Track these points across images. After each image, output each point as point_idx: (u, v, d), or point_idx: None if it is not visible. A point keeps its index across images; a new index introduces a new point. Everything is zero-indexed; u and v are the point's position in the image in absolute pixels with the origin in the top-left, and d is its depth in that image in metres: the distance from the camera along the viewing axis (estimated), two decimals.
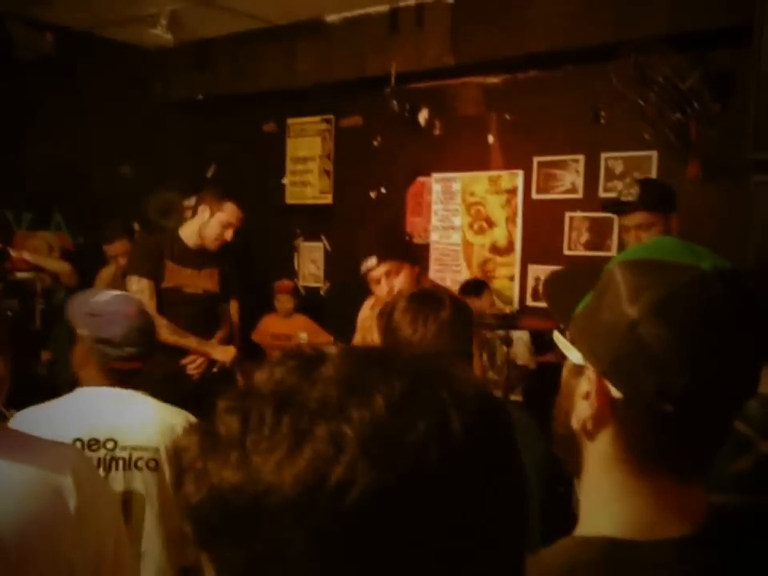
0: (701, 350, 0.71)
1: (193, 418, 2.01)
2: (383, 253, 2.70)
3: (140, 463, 1.89)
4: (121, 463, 1.91)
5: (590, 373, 0.76)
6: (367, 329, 2.93)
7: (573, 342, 0.79)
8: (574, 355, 0.78)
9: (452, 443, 0.45)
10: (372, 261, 2.68)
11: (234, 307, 3.56)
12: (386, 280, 2.68)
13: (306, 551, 0.42)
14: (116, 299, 2.03)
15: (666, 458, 0.75)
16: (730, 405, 0.76)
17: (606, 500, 0.77)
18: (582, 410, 0.77)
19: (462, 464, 0.45)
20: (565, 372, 0.82)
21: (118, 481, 1.91)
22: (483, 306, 2.45)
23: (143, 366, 1.99)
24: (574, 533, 0.79)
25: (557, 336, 0.83)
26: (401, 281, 2.69)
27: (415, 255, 3.15)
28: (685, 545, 0.73)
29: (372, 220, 4.48)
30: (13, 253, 4.11)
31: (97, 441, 1.89)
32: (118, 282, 4.12)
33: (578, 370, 0.78)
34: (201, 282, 3.37)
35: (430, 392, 0.47)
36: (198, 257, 3.36)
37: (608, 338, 0.74)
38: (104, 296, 2.07)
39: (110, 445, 1.90)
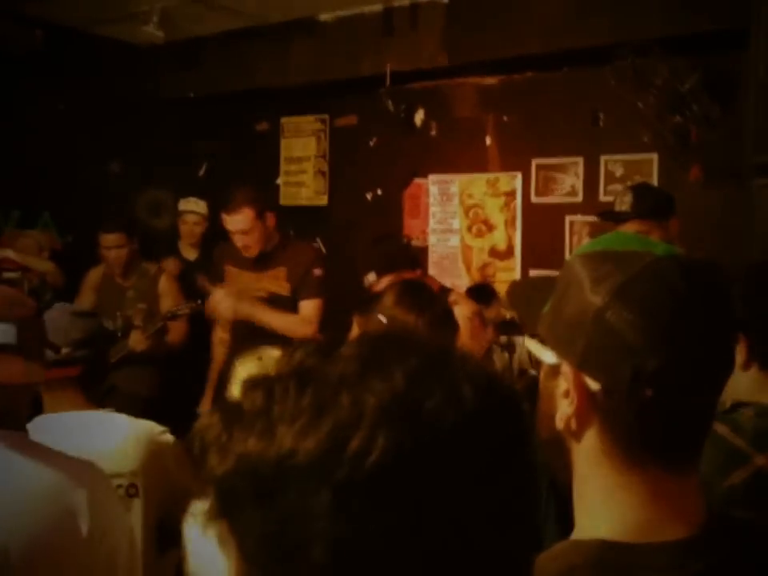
0: (668, 329, 0.71)
1: (161, 428, 1.92)
2: (382, 266, 2.72)
3: (120, 492, 1.74)
4: None
5: (566, 369, 0.74)
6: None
7: (544, 342, 0.79)
8: (547, 356, 0.78)
9: (465, 410, 0.47)
10: (372, 276, 2.72)
11: (304, 308, 3.15)
12: None
13: (330, 506, 0.44)
14: (55, 306, 1.92)
15: (653, 446, 0.73)
16: (707, 383, 0.74)
17: (600, 500, 0.75)
18: (564, 409, 0.75)
19: (474, 431, 0.47)
20: (542, 375, 0.82)
21: None
22: (490, 315, 2.35)
23: (87, 373, 1.81)
24: (571, 536, 0.77)
25: (528, 341, 0.84)
26: None
27: (413, 258, 3.09)
28: (683, 548, 0.71)
29: (368, 222, 4.41)
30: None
31: None
32: (107, 283, 3.98)
33: (554, 370, 0.77)
34: (263, 284, 3.16)
35: (445, 367, 0.49)
36: (259, 257, 3.16)
37: (576, 329, 0.73)
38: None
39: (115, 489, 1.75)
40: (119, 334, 3.65)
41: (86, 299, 3.90)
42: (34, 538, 1.21)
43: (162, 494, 1.81)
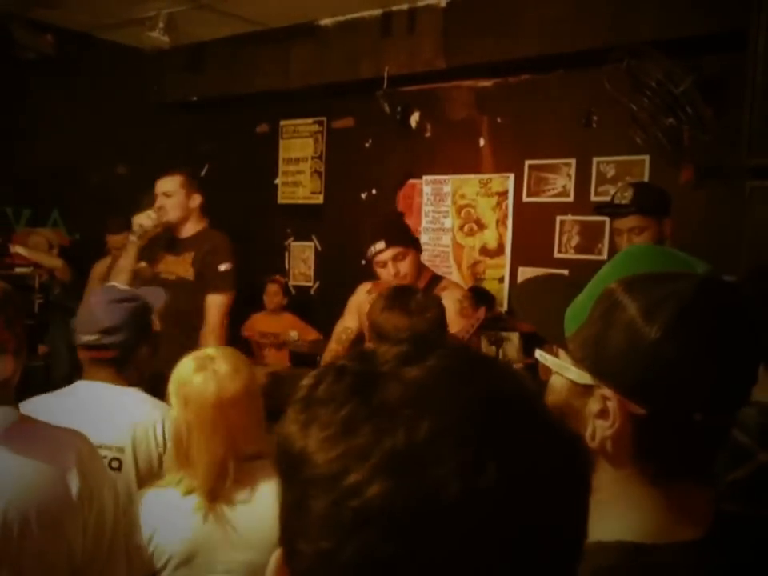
0: (720, 356, 0.70)
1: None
2: (391, 237, 2.64)
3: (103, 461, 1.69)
4: None
5: (605, 392, 0.72)
6: (365, 312, 2.84)
7: (577, 363, 0.75)
8: (575, 375, 0.75)
9: (477, 487, 0.42)
10: (381, 244, 2.64)
11: (209, 301, 3.00)
12: (393, 263, 2.65)
13: (320, 517, 0.44)
14: (96, 290, 1.95)
15: (688, 463, 0.73)
16: (743, 401, 0.75)
17: (623, 511, 0.74)
18: (599, 430, 0.73)
19: (483, 512, 0.42)
20: (564, 392, 0.77)
21: None
22: (480, 316, 2.29)
23: (118, 357, 1.83)
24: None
25: (542, 355, 0.81)
26: (406, 265, 2.66)
27: (418, 240, 2.94)
28: (701, 547, 0.72)
29: (363, 221, 4.28)
30: (11, 249, 3.99)
31: None
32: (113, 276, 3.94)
33: (585, 390, 0.74)
34: (175, 267, 3.05)
35: (483, 426, 0.44)
36: (180, 242, 3.07)
37: (628, 359, 0.70)
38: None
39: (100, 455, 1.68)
40: None
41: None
42: (29, 502, 1.25)
43: (147, 472, 1.76)
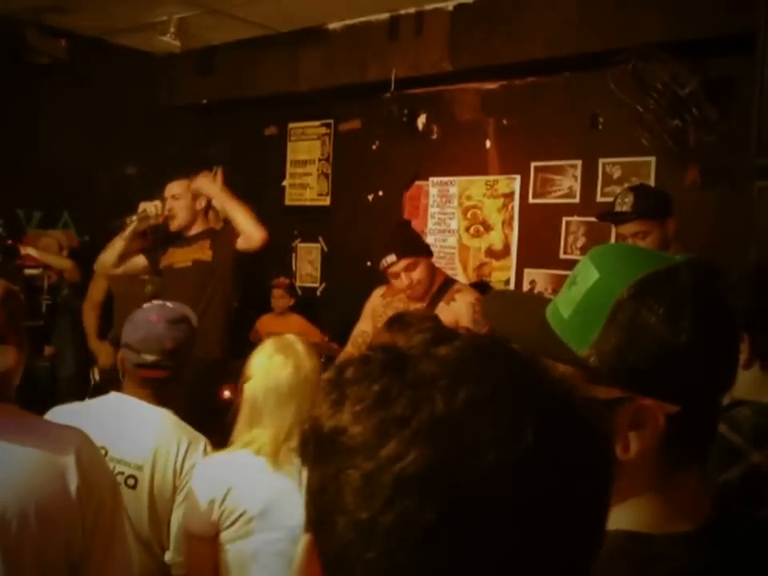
0: (730, 341, 0.75)
1: (204, 443, 1.83)
2: (401, 249, 2.73)
3: (119, 478, 1.73)
4: None
5: (645, 402, 0.71)
6: (379, 315, 2.90)
7: (602, 379, 0.73)
8: (600, 392, 0.72)
9: (514, 451, 0.42)
10: (391, 257, 2.71)
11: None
12: (405, 274, 2.73)
13: (356, 491, 0.43)
14: (152, 307, 1.91)
15: (697, 449, 0.75)
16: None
17: (627, 503, 0.73)
18: (635, 442, 0.72)
19: (522, 473, 0.42)
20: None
21: None
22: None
23: (170, 377, 1.85)
24: None
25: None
26: (419, 273, 2.74)
27: (428, 246, 2.99)
28: (695, 539, 0.72)
29: (369, 222, 4.26)
30: (21, 250, 3.98)
31: None
32: (125, 277, 3.95)
33: (610, 404, 0.72)
34: (188, 254, 3.14)
35: (520, 396, 0.44)
36: (188, 238, 3.20)
37: (664, 365, 0.71)
38: (146, 305, 1.96)
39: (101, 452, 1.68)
40: None
41: (99, 286, 3.97)
42: (28, 498, 1.25)
43: (161, 491, 1.78)
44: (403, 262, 2.70)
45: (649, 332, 0.71)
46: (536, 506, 0.43)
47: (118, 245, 3.14)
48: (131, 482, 1.73)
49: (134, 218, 3.11)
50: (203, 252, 3.11)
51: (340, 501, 0.44)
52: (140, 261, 3.24)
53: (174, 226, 3.17)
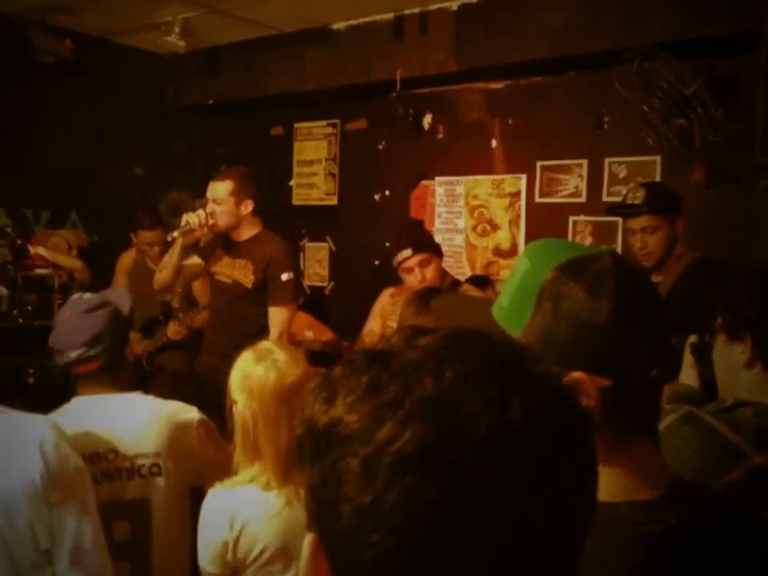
0: (652, 317, 0.80)
1: (186, 408, 1.84)
2: (417, 244, 2.76)
3: (143, 471, 1.76)
4: (125, 473, 1.74)
5: (576, 375, 0.75)
6: (388, 315, 2.91)
7: None
8: None
9: (504, 422, 0.44)
10: (407, 251, 2.75)
11: (272, 314, 2.94)
12: (419, 269, 2.74)
13: (358, 476, 0.44)
14: (67, 303, 1.86)
15: (643, 420, 0.80)
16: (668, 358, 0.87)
17: None
18: None
19: (512, 444, 0.44)
20: None
21: (124, 490, 1.74)
22: (486, 296, 2.43)
23: (104, 366, 1.80)
24: None
25: None
26: (431, 271, 2.76)
27: (441, 251, 3.02)
28: (657, 505, 0.76)
29: (376, 222, 4.31)
30: (30, 249, 3.98)
31: (98, 454, 1.72)
32: (139, 268, 3.99)
33: None
34: (232, 270, 3.02)
35: (504, 373, 0.47)
36: (234, 245, 3.06)
37: (589, 340, 0.76)
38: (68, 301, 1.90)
39: (111, 456, 1.74)
40: (161, 318, 3.72)
41: (119, 282, 3.97)
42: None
43: (186, 470, 1.80)
44: (418, 257, 2.74)
45: (571, 310, 0.76)
46: (531, 473, 0.44)
47: (170, 263, 3.02)
48: (155, 469, 1.75)
49: (177, 233, 2.97)
50: (245, 276, 2.97)
51: (342, 490, 0.45)
52: (196, 264, 3.13)
53: (215, 231, 3.02)
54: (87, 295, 1.89)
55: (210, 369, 2.86)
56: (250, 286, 2.95)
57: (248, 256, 2.98)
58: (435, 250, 2.85)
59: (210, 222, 2.94)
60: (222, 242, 3.08)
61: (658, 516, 0.76)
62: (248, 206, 2.98)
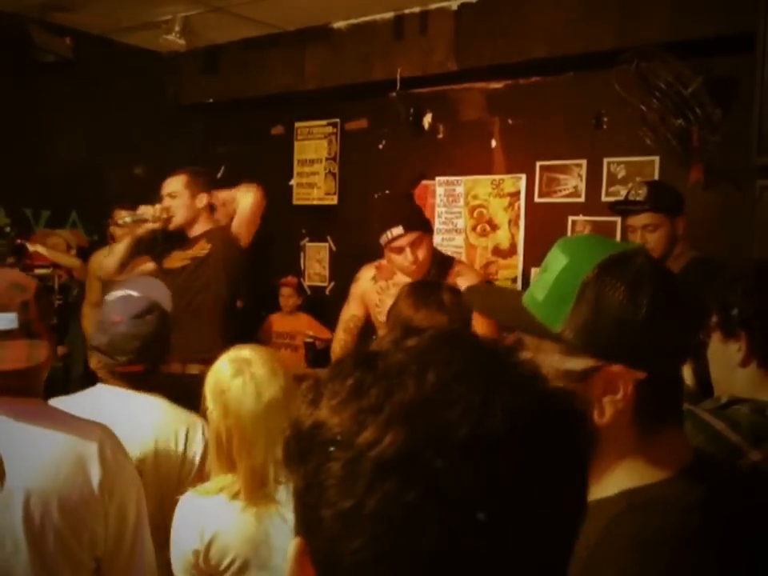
0: (683, 313, 0.85)
1: (202, 426, 1.81)
2: (409, 222, 2.50)
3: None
4: None
5: (614, 369, 0.80)
6: (374, 304, 2.72)
7: (575, 351, 0.82)
8: (574, 363, 0.82)
9: (486, 427, 0.44)
10: (398, 229, 2.48)
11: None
12: (411, 249, 2.49)
13: (338, 480, 0.44)
14: (112, 304, 1.83)
15: (672, 408, 0.85)
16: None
17: (618, 463, 0.82)
18: (608, 406, 0.81)
19: (495, 449, 0.44)
20: (563, 382, 0.82)
21: None
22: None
23: (148, 369, 1.82)
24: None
25: (543, 355, 0.85)
26: (424, 251, 2.51)
27: (432, 227, 2.83)
28: (673, 479, 0.80)
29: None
30: (29, 246, 3.99)
31: None
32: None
33: (585, 374, 0.81)
34: (187, 255, 3.08)
35: (487, 377, 0.47)
36: (188, 240, 3.12)
37: (629, 335, 0.80)
38: (109, 298, 1.87)
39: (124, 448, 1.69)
40: None
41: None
42: (50, 488, 1.30)
43: (167, 478, 1.77)
44: (410, 236, 2.48)
45: (612, 307, 0.81)
46: (512, 478, 0.44)
47: (118, 250, 3.04)
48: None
49: (129, 218, 3.02)
50: (201, 248, 2.99)
51: (324, 495, 0.45)
52: (148, 266, 3.14)
53: (173, 225, 3.03)
54: (134, 293, 1.84)
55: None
56: (207, 251, 2.99)
57: (204, 238, 3.04)
58: (427, 228, 2.61)
59: (166, 216, 3.00)
60: (176, 243, 3.11)
61: (690, 488, 0.80)
62: (203, 200, 3.05)
